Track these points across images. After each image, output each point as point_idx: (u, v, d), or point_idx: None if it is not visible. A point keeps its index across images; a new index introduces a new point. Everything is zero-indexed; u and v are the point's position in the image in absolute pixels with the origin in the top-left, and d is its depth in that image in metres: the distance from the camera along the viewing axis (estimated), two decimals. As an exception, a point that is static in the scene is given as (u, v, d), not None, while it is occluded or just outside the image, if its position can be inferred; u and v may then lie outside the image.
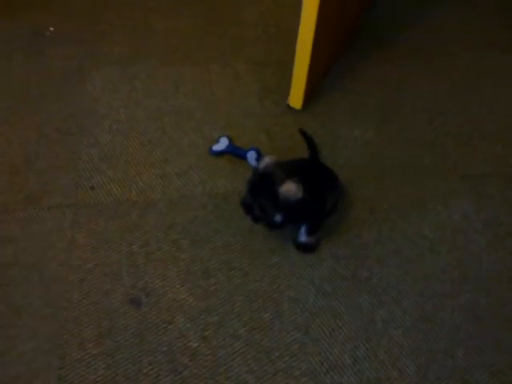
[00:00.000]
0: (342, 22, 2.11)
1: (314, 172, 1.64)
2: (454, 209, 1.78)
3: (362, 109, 2.09)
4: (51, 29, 2.30)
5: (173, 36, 2.32)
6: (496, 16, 2.56)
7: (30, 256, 1.59)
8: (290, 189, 1.38)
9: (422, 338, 1.50)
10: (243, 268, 1.61)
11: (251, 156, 1.82)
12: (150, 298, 1.53)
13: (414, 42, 2.39)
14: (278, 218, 1.47)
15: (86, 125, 1.95)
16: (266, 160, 1.46)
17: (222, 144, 1.88)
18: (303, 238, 1.63)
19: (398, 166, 1.90)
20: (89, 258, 1.60)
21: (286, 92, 2.02)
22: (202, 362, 1.42)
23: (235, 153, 1.86)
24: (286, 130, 1.97)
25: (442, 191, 1.83)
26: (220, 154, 1.87)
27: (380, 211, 1.76)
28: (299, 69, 1.89)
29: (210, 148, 1.88)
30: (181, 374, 1.40)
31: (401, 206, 1.78)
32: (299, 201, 1.38)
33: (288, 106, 2.04)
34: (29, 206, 1.71)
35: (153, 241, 1.65)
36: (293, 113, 2.03)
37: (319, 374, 1.42)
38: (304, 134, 1.78)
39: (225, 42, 2.32)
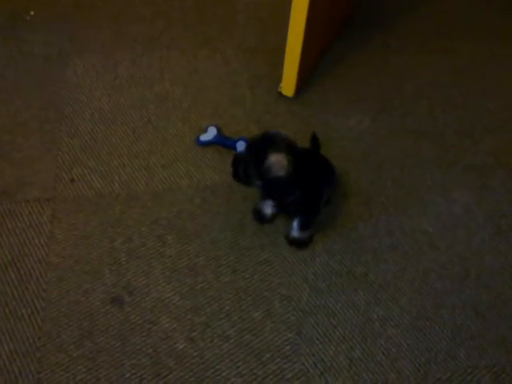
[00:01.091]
0: (337, 5, 2.02)
1: (313, 164, 1.54)
2: (454, 201, 1.70)
3: (357, 97, 2.00)
4: (31, 13, 2.19)
5: (159, 21, 2.22)
6: (501, 2, 2.47)
7: (6, 253, 1.51)
8: (277, 161, 1.29)
9: (422, 337, 1.43)
10: (232, 265, 1.52)
11: (240, 146, 1.73)
12: (133, 297, 1.45)
13: (414, 28, 2.30)
14: (258, 183, 1.39)
15: (66, 113, 1.86)
16: (283, 133, 1.36)
17: (210, 134, 1.79)
18: (296, 232, 1.55)
19: (396, 156, 1.82)
20: (68, 255, 1.52)
21: (278, 79, 1.93)
22: (188, 365, 1.35)
23: (224, 143, 1.77)
24: (277, 118, 1.89)
25: (442, 183, 1.75)
26: (208, 144, 1.78)
27: (377, 204, 1.68)
28: (291, 55, 1.80)
29: (198, 138, 1.79)
30: (166, 378, 1.32)
31: (399, 198, 1.70)
32: (280, 179, 1.30)
33: (280, 93, 1.95)
34: (4, 199, 1.62)
35: (136, 236, 1.56)
36: (285, 101, 1.94)
37: (313, 377, 1.35)
38: (315, 138, 1.64)
39: (214, 27, 2.22)
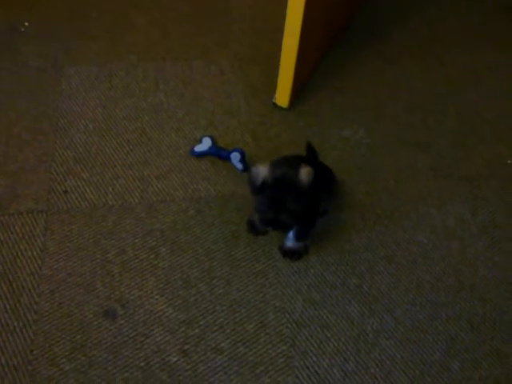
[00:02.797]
0: (333, 16, 2.02)
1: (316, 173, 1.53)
2: (449, 213, 1.70)
3: (352, 107, 2.00)
4: (26, 24, 2.19)
5: (154, 31, 2.22)
6: (496, 13, 2.47)
7: (-2, 265, 1.50)
8: (308, 172, 1.30)
9: (416, 349, 1.43)
10: (226, 277, 1.52)
11: (235, 157, 1.73)
12: (125, 310, 1.44)
13: (410, 38, 2.30)
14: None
15: (60, 124, 1.85)
16: (261, 170, 1.33)
17: (205, 145, 1.78)
18: (290, 243, 1.54)
19: (390, 168, 1.81)
20: (61, 268, 1.51)
21: (273, 90, 1.93)
22: (181, 378, 1.34)
23: (218, 154, 1.76)
24: (272, 129, 1.88)
25: (436, 194, 1.75)
26: (202, 155, 1.77)
27: (371, 215, 1.68)
28: (285, 66, 1.80)
29: (192, 149, 1.79)
30: (158, 392, 1.31)
31: (393, 210, 1.70)
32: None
33: (274, 104, 1.95)
34: (-3, 211, 1.61)
35: (129, 248, 1.55)
36: (279, 112, 1.94)
37: (307, 390, 1.34)
38: (310, 147, 1.64)
39: (209, 37, 2.22)
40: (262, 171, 1.32)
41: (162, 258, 1.54)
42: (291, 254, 1.57)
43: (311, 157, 1.60)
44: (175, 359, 1.37)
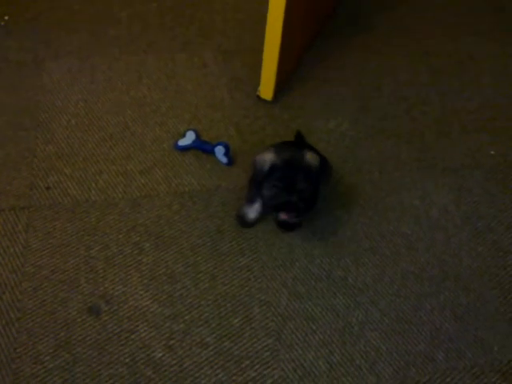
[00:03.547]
0: (316, 6, 2.01)
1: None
2: (433, 203, 1.71)
3: (337, 99, 2.00)
4: (6, 18, 2.15)
5: (136, 23, 2.20)
6: (481, 3, 2.48)
7: (-20, 263, 1.48)
8: (314, 155, 1.37)
9: (400, 340, 1.43)
10: (211, 271, 1.51)
11: (219, 151, 1.72)
12: (110, 306, 1.43)
13: (394, 27, 2.30)
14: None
15: (41, 119, 1.83)
16: (267, 156, 1.37)
17: (189, 138, 1.77)
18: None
19: (375, 159, 1.81)
20: (44, 264, 1.49)
21: (257, 83, 1.92)
22: (166, 374, 1.34)
23: (202, 148, 1.75)
24: (256, 122, 1.87)
25: (420, 185, 1.75)
26: (186, 149, 1.76)
27: (356, 207, 1.68)
28: (269, 58, 1.79)
29: (176, 143, 1.77)
30: (144, 388, 1.31)
31: (377, 201, 1.70)
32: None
33: (258, 97, 1.93)
34: (-22, 208, 1.59)
35: (113, 244, 1.54)
36: (264, 104, 1.93)
37: (292, 382, 1.34)
38: (300, 135, 1.68)
39: (192, 29, 2.20)
40: (268, 157, 1.35)
41: (146, 254, 1.53)
42: (286, 226, 1.59)
43: (300, 144, 1.62)
44: (160, 355, 1.36)
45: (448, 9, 2.42)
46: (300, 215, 1.42)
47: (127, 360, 1.35)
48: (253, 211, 1.56)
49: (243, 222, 1.60)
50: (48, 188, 1.65)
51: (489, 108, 2.01)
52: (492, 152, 1.86)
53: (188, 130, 1.79)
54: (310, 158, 1.37)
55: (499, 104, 2.03)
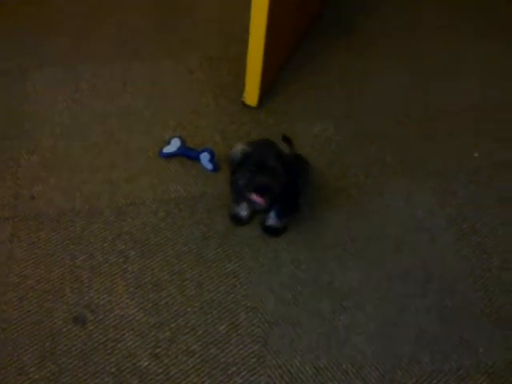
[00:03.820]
0: (300, 10, 2.02)
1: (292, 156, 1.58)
2: (417, 206, 1.72)
3: (321, 103, 2.01)
4: (-11, 27, 2.15)
5: (120, 31, 2.20)
6: (465, 5, 2.49)
7: (-36, 274, 1.47)
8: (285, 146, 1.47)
9: (386, 343, 1.44)
10: (196, 278, 1.51)
11: (204, 157, 1.72)
12: (95, 316, 1.43)
13: (379, 29, 2.31)
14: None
15: (25, 129, 1.82)
16: (239, 146, 1.42)
17: (174, 146, 1.77)
18: (272, 221, 1.58)
19: (360, 163, 1.82)
20: (29, 274, 1.49)
21: (242, 89, 1.92)
22: (153, 383, 1.33)
23: (187, 155, 1.75)
24: (241, 128, 1.88)
25: (405, 188, 1.76)
26: (171, 156, 1.76)
27: (342, 211, 1.69)
28: (253, 64, 1.79)
29: (161, 150, 1.77)
30: (130, 397, 1.30)
31: (362, 204, 1.71)
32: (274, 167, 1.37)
33: (243, 103, 1.94)
34: (-39, 219, 1.58)
35: (98, 253, 1.54)
36: (249, 110, 1.94)
37: (279, 388, 1.34)
38: (286, 138, 1.72)
39: (177, 36, 2.20)
40: (240, 147, 1.40)
41: (132, 262, 1.53)
42: (271, 231, 1.60)
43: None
44: (146, 363, 1.36)
45: (432, 10, 2.42)
46: (273, 200, 1.42)
47: (113, 369, 1.35)
48: (242, 209, 1.59)
49: (237, 221, 1.62)
50: (33, 198, 1.64)
51: (473, 110, 2.02)
52: (476, 154, 1.88)
53: (173, 137, 1.79)
54: (281, 145, 1.42)
55: (483, 106, 2.04)
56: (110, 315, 1.43)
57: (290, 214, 1.61)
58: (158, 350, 1.38)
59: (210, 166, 1.73)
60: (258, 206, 1.42)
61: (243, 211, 1.59)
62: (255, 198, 1.38)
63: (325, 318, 1.47)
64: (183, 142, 1.78)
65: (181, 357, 1.38)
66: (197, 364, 1.37)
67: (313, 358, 1.40)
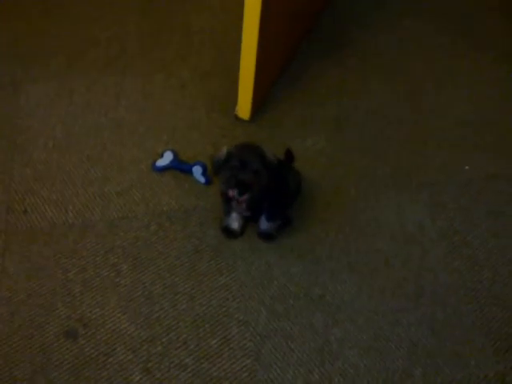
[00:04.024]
0: (292, 25, 2.05)
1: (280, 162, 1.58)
2: (408, 219, 1.73)
3: (313, 117, 2.02)
4: (-17, 41, 2.16)
5: (113, 46, 2.21)
6: (456, 21, 2.52)
7: (-46, 289, 1.46)
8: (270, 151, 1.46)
9: (378, 357, 1.44)
10: (189, 292, 1.51)
11: (197, 170, 1.73)
12: (87, 330, 1.42)
13: (369, 46, 2.34)
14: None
15: (18, 142, 1.83)
16: (224, 149, 1.46)
17: (166, 159, 1.78)
18: (264, 225, 1.59)
19: (351, 177, 1.83)
20: (20, 289, 1.48)
21: (234, 102, 1.94)
22: (144, 397, 1.33)
23: (180, 168, 1.76)
24: (234, 142, 1.84)
25: (395, 201, 1.77)
26: (164, 169, 1.77)
27: (333, 224, 1.70)
28: (245, 78, 1.81)
29: (153, 164, 1.78)
30: (121, 412, 1.30)
31: (353, 218, 1.72)
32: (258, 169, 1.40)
33: (236, 116, 1.95)
34: (-47, 233, 1.58)
35: (90, 266, 1.54)
36: (241, 124, 1.95)
37: (271, 403, 1.34)
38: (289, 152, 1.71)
39: (169, 50, 2.22)
40: (224, 148, 1.44)
41: (124, 276, 1.53)
42: (265, 236, 1.62)
43: (288, 160, 1.68)
44: (138, 378, 1.35)
45: (423, 28, 2.46)
46: (254, 202, 1.45)
47: (105, 384, 1.34)
48: (233, 221, 1.60)
49: (228, 233, 1.62)
50: (25, 211, 1.64)
51: (462, 124, 2.04)
52: (466, 167, 1.89)
53: (166, 150, 1.80)
54: (266, 150, 1.45)
55: (474, 120, 2.06)
56: (102, 329, 1.42)
57: (281, 218, 1.62)
58: (149, 365, 1.38)
59: (202, 179, 1.74)
60: (239, 208, 1.48)
61: (234, 222, 1.60)
62: (231, 192, 1.39)
63: (317, 331, 1.47)
64: (176, 155, 1.79)
65: (173, 371, 1.37)
66: (189, 378, 1.36)
67: (305, 371, 1.40)
